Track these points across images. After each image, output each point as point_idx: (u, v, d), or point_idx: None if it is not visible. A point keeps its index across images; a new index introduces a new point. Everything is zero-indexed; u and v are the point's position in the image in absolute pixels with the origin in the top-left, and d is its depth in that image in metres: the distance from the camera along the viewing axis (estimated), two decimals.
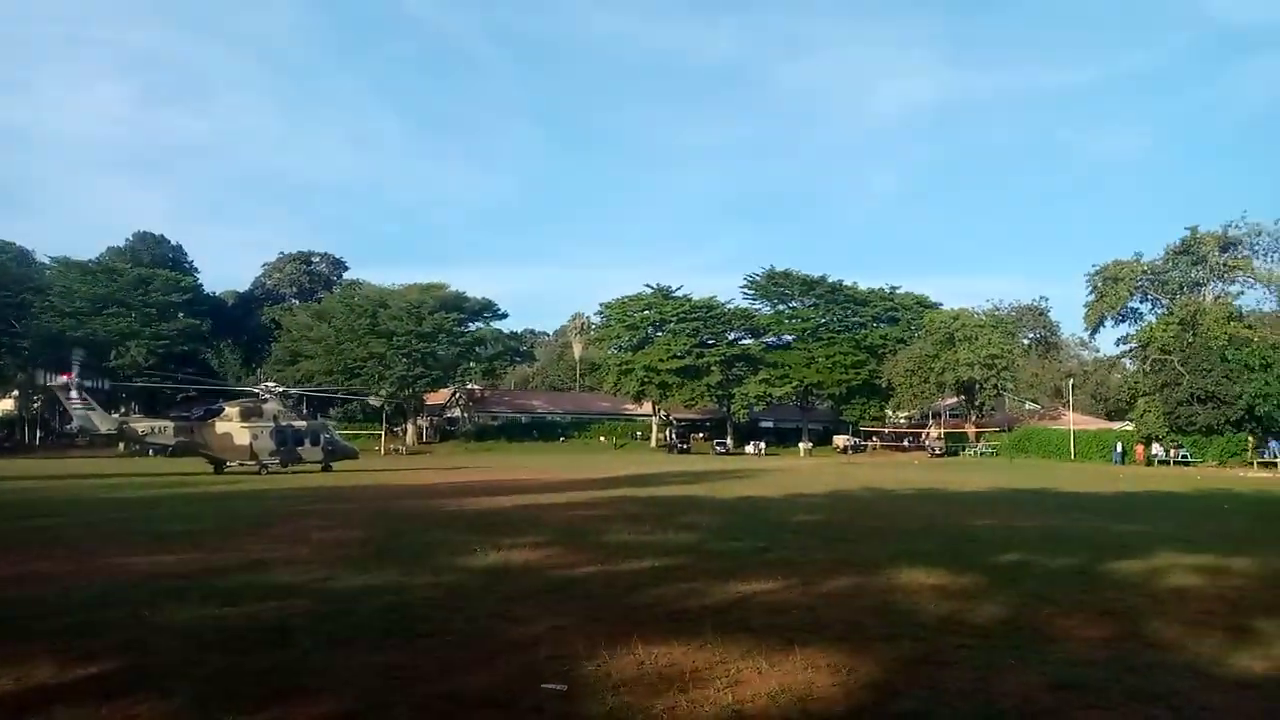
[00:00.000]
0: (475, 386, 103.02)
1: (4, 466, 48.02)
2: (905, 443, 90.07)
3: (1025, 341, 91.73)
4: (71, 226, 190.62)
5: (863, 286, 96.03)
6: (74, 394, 38.22)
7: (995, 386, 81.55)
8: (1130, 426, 70.10)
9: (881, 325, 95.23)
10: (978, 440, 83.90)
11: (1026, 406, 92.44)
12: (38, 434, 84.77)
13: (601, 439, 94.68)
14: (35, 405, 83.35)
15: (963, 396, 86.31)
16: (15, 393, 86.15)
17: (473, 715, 5.26)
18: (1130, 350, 75.26)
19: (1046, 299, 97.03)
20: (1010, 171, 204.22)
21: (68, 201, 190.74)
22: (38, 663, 6.21)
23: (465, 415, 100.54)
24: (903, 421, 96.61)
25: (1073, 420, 77.72)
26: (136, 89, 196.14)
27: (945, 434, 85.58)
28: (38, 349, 75.95)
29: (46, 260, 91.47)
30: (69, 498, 23.83)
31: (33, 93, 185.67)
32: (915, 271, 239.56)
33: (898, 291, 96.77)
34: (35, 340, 77.36)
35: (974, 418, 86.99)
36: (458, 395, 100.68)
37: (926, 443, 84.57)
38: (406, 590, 9.28)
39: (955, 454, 78.94)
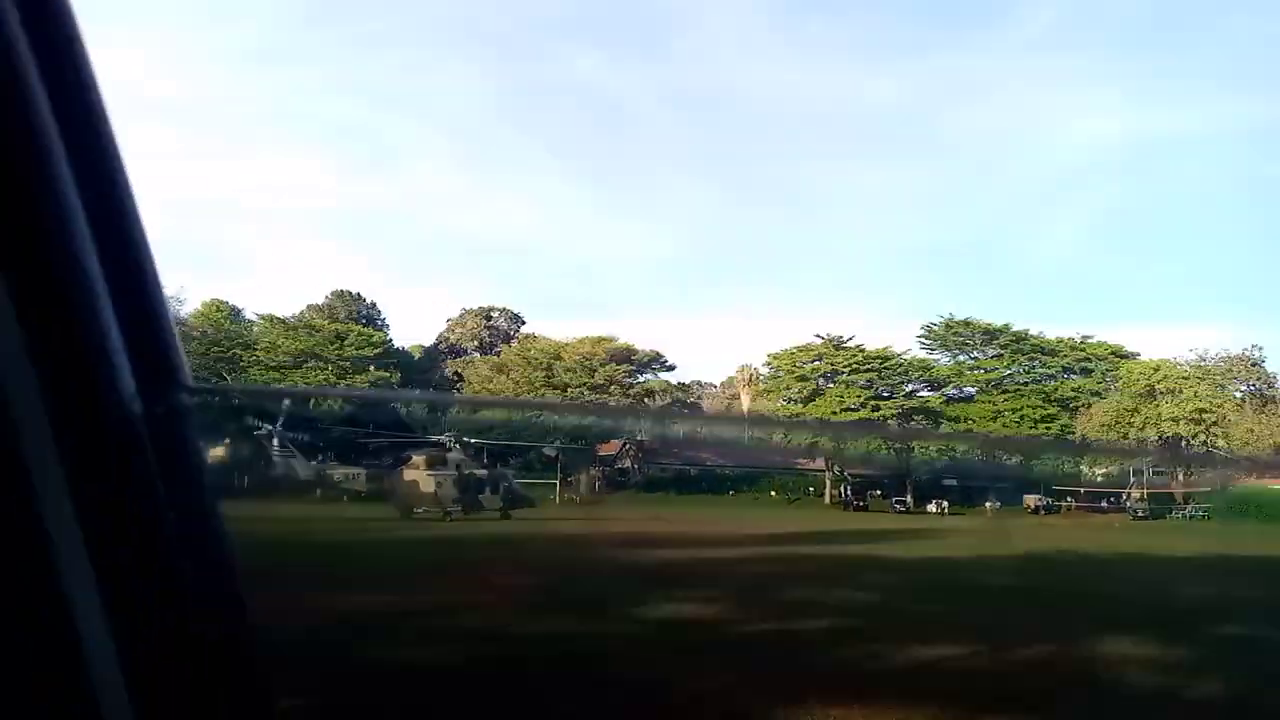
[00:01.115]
0: (645, 438, 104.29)
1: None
2: (1104, 503, 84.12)
3: (1237, 395, 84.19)
4: (277, 286, 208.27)
5: (1050, 336, 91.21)
6: (276, 443, 41.33)
7: (1204, 443, 75.13)
8: None
9: (1072, 377, 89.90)
10: (1185, 502, 77.34)
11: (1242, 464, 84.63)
12: (245, 479, 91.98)
13: (772, 494, 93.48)
14: (244, 453, 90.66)
15: (1167, 454, 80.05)
16: (226, 440, 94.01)
17: None
18: None
19: (1261, 348, 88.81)
20: (1209, 211, 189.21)
21: (273, 263, 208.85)
22: None
23: (635, 466, 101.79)
24: (1100, 479, 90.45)
25: None
26: (333, 159, 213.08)
27: (1148, 494, 79.37)
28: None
29: (254, 317, 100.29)
30: (270, 541, 25.55)
31: (242, 166, 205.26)
32: (1107, 320, 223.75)
33: (1089, 341, 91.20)
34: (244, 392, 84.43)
35: (1181, 477, 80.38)
36: (628, 446, 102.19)
37: (1127, 503, 78.67)
38: (581, 638, 9.34)
39: (1160, 516, 72.96)
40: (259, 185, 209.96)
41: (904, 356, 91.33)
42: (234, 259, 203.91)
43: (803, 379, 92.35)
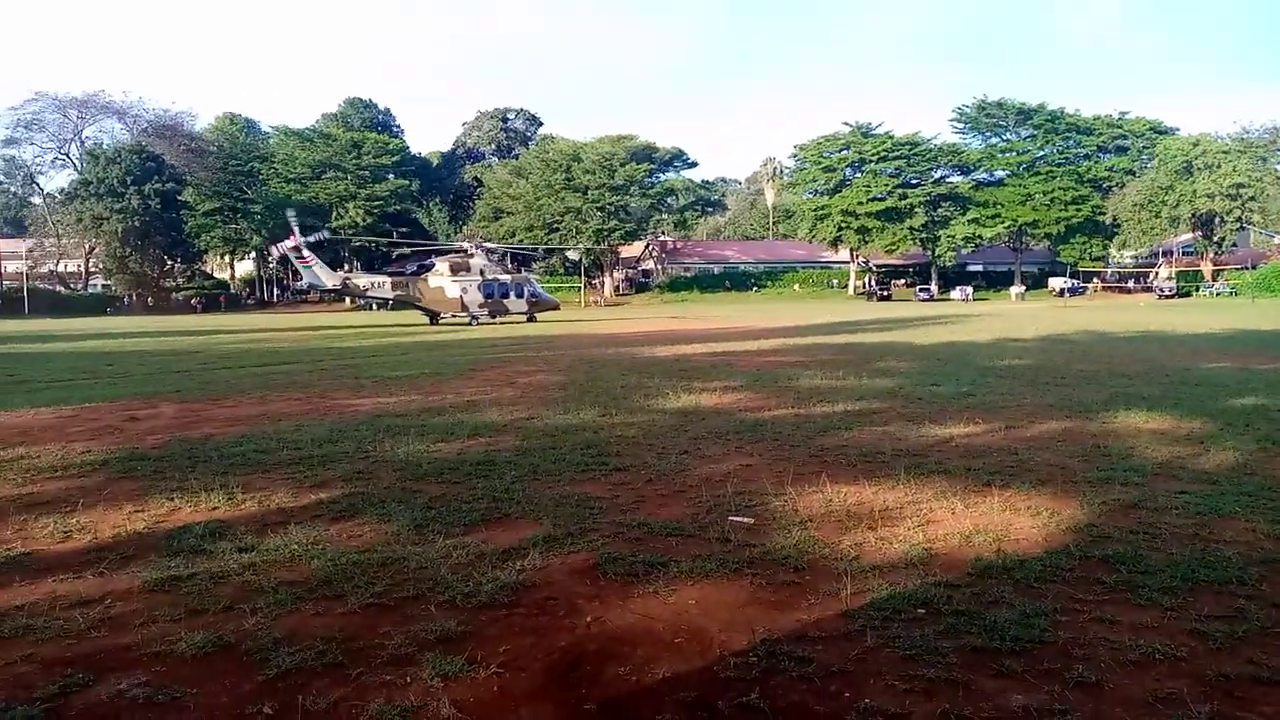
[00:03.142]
0: (668, 238, 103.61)
1: (248, 321, 53.45)
2: (1130, 284, 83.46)
3: (1278, 167, 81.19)
4: (285, 97, 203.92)
5: (1086, 113, 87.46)
6: (303, 253, 41.48)
7: (1239, 219, 73.23)
8: None
9: (1107, 156, 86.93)
10: (1215, 279, 76.44)
11: (1276, 241, 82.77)
12: (274, 291, 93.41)
13: (796, 287, 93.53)
14: (271, 265, 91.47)
15: (1199, 232, 78.27)
16: (253, 254, 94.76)
17: (663, 543, 5.43)
18: None
19: None
20: None
21: (279, 73, 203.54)
22: (276, 489, 6.93)
23: (659, 267, 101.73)
24: (1128, 261, 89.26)
25: None
26: None
27: (1177, 273, 78.42)
28: (268, 213, 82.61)
29: (269, 130, 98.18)
30: (303, 347, 26.21)
31: None
32: (1149, 93, 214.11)
33: (1127, 117, 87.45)
34: (265, 205, 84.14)
35: (1212, 255, 78.97)
36: (651, 247, 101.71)
37: (1154, 283, 77.96)
38: (603, 429, 9.62)
39: (1188, 295, 72.41)
40: None
41: (934, 142, 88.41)
42: (243, 71, 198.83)
43: (829, 170, 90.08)
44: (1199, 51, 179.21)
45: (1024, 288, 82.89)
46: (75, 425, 10.52)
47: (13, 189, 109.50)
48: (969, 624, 4.09)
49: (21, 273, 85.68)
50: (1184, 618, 4.16)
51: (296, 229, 41.77)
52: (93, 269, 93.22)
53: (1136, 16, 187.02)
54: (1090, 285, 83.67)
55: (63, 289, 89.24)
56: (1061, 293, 79.75)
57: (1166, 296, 70.69)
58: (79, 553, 5.39)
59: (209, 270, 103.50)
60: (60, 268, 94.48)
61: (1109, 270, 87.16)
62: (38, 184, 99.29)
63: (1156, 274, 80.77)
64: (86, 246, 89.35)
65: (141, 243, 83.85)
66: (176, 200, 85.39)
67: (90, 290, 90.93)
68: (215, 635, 4.07)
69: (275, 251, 42.83)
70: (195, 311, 79.00)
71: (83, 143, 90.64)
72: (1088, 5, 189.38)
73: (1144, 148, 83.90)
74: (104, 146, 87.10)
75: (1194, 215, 73.55)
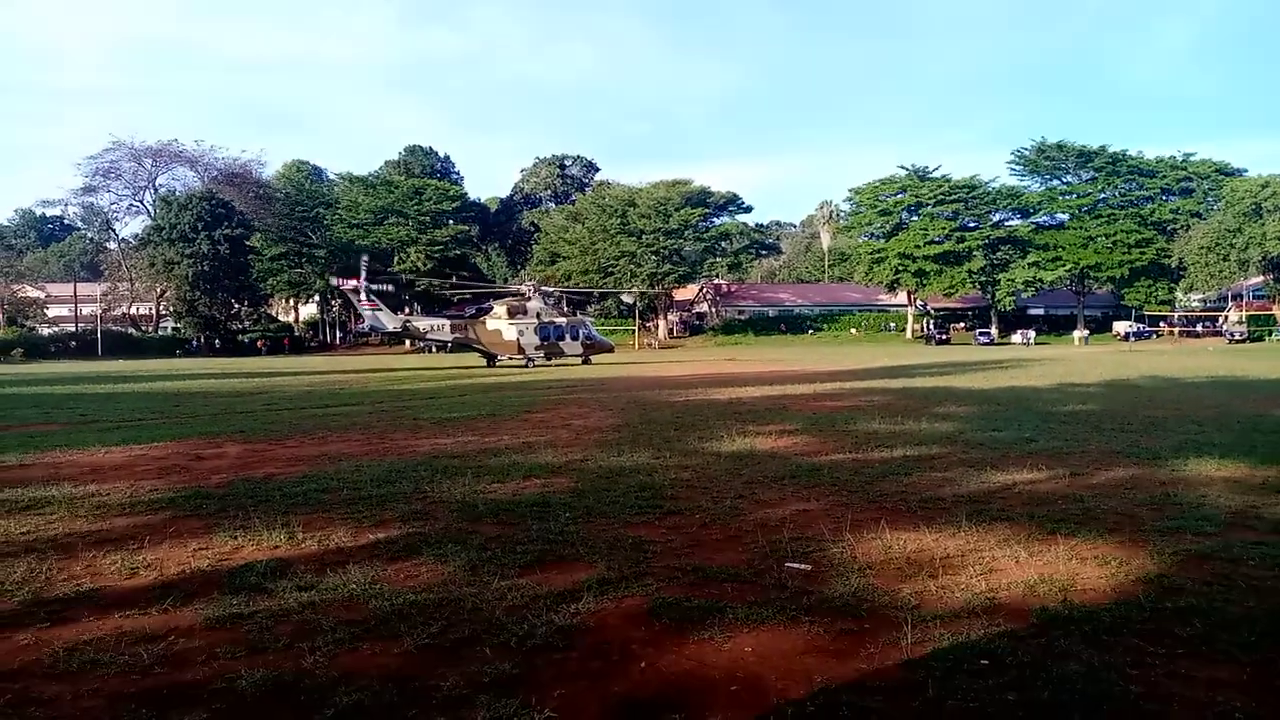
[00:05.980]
0: (722, 281, 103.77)
1: (311, 363, 54.57)
2: (1198, 328, 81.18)
3: None
4: (349, 143, 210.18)
5: (1149, 155, 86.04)
6: (363, 297, 42.30)
7: None
8: None
9: (1171, 199, 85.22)
10: None
11: None
12: (337, 334, 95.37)
13: (852, 331, 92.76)
14: (333, 309, 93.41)
15: (1271, 275, 76.01)
16: (316, 298, 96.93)
17: (718, 588, 5.37)
18: None
19: None
20: None
21: (343, 120, 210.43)
22: (335, 528, 7.03)
23: (713, 310, 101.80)
24: (1196, 305, 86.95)
25: None
26: (396, 9, 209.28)
27: (1247, 317, 76.11)
28: (332, 258, 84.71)
29: (333, 176, 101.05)
30: (363, 389, 26.64)
31: (307, 22, 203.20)
32: (1214, 135, 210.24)
33: (1191, 159, 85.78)
34: (329, 250, 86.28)
35: None
36: (705, 290, 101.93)
37: (1224, 327, 75.74)
38: (657, 471, 9.59)
39: (1259, 339, 70.18)
40: (323, 40, 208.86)
41: (992, 185, 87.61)
42: (311, 119, 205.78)
43: (885, 213, 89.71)
44: (1266, 91, 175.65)
45: (1087, 332, 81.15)
46: (143, 464, 10.80)
47: (90, 234, 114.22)
48: (1035, 677, 3.96)
49: (96, 315, 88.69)
50: (1266, 674, 3.99)
51: (364, 273, 42.56)
52: (163, 312, 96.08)
53: (1201, 56, 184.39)
54: (1157, 329, 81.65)
55: (134, 331, 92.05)
56: (1127, 337, 77.92)
57: (1237, 341, 68.60)
58: (145, 589, 5.51)
59: (274, 313, 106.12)
60: (133, 311, 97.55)
61: (1175, 314, 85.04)
62: (113, 229, 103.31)
63: (1226, 318, 78.53)
64: (158, 290, 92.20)
65: (210, 286, 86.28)
66: (244, 245, 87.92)
67: (160, 333, 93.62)
68: (275, 673, 4.12)
69: (353, 285, 42.57)
70: (260, 353, 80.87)
71: (156, 190, 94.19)
72: (1151, 47, 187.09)
73: (1209, 190, 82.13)
74: (176, 193, 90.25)
75: (1264, 258, 71.51)
